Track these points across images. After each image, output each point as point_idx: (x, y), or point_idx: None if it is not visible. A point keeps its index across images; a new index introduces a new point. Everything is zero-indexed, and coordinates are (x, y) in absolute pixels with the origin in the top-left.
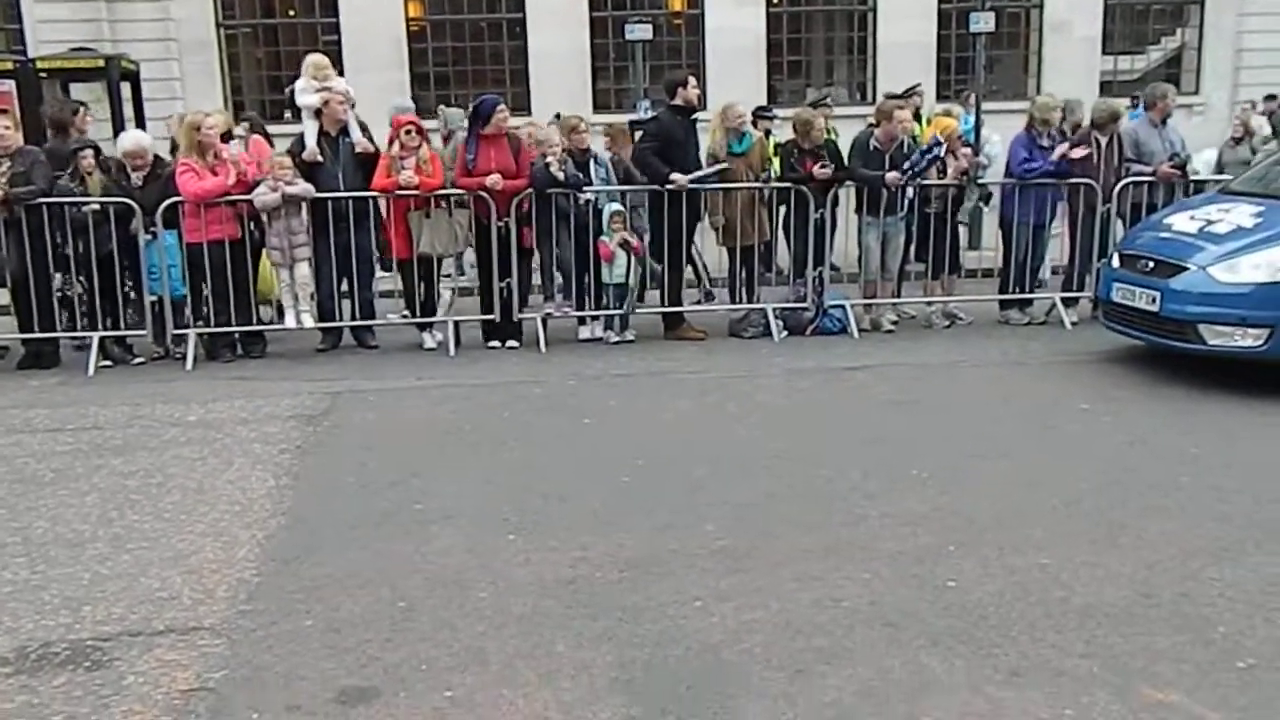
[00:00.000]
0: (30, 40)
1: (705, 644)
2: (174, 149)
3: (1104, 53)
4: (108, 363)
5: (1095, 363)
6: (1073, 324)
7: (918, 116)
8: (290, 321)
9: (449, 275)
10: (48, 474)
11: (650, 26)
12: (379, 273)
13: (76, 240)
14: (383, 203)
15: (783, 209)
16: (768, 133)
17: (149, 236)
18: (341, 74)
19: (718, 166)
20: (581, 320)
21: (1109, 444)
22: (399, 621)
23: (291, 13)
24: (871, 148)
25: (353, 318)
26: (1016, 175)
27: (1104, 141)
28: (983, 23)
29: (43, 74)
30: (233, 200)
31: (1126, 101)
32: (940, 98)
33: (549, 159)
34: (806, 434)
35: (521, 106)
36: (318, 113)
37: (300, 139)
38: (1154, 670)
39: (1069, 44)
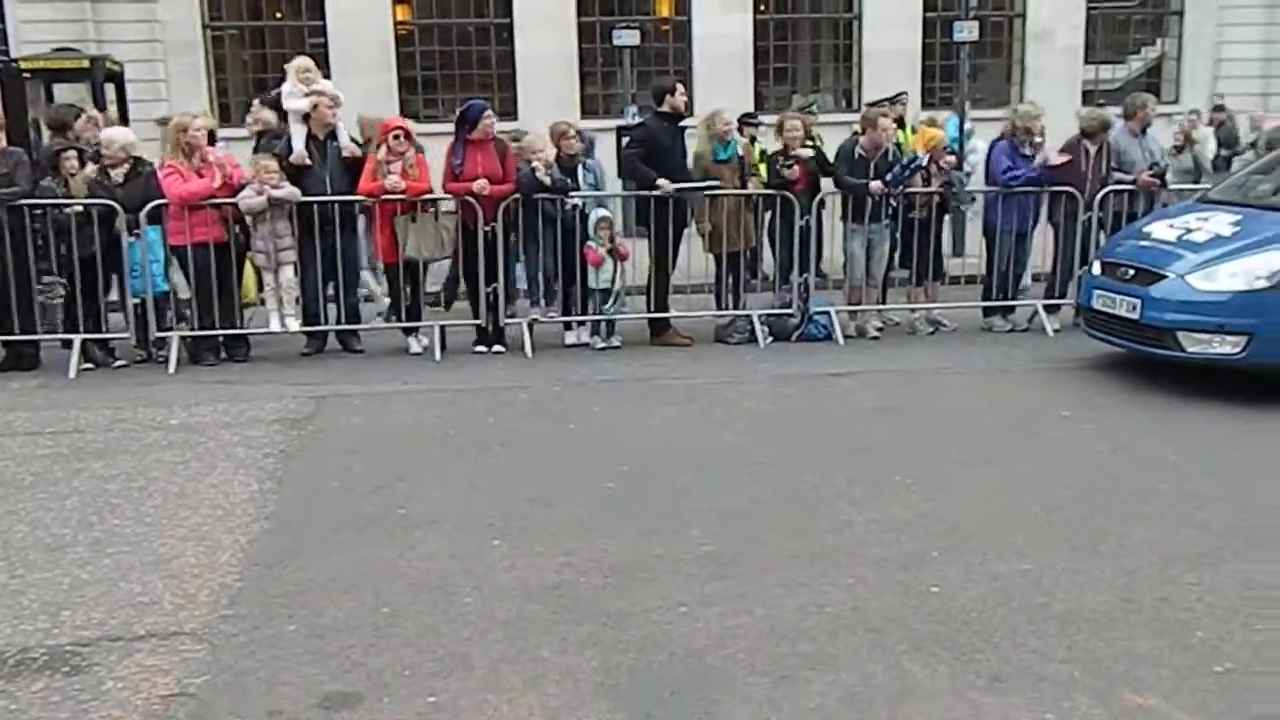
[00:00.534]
0: (13, 40)
1: (690, 649)
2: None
3: (1085, 62)
4: (89, 365)
5: (1077, 370)
6: (1055, 331)
7: (902, 124)
8: (275, 325)
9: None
10: (27, 477)
11: (638, 32)
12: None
13: (59, 242)
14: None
15: (768, 215)
16: (753, 139)
17: (131, 238)
18: (328, 77)
19: (708, 185)
20: (567, 326)
21: (1090, 451)
22: (382, 627)
23: (278, 15)
24: (856, 155)
25: (338, 322)
26: (999, 183)
27: (1093, 150)
28: (966, 31)
29: (26, 74)
30: (218, 203)
31: (1118, 110)
32: (925, 105)
33: (535, 164)
34: (791, 440)
35: (509, 111)
36: (306, 116)
37: (288, 142)
38: (1134, 675)
39: (1051, 53)
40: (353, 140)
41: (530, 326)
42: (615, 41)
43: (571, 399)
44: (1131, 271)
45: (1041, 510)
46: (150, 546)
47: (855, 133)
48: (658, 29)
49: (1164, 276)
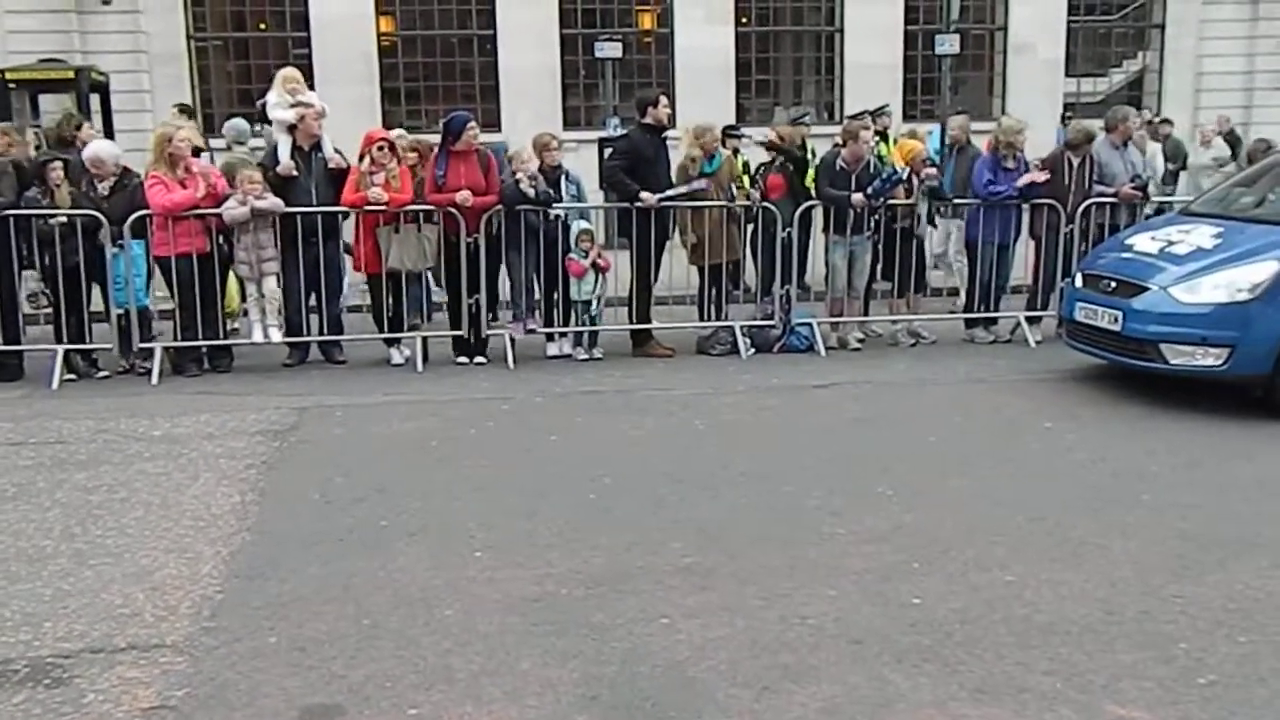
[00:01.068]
0: None
1: (671, 661)
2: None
3: (1067, 75)
4: (72, 376)
5: (1059, 381)
6: (1037, 343)
7: (885, 137)
8: (258, 336)
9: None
10: (9, 488)
11: (620, 45)
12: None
13: (43, 253)
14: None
15: (750, 227)
16: (736, 151)
17: (115, 249)
18: (312, 88)
19: (694, 185)
20: (550, 337)
21: (1072, 462)
22: (363, 639)
23: (263, 26)
24: (838, 168)
25: (320, 332)
26: (981, 196)
27: (1076, 162)
28: (948, 45)
29: (11, 85)
30: (201, 214)
31: (1101, 123)
32: (906, 118)
33: (519, 175)
34: (773, 451)
35: (492, 123)
36: (291, 128)
37: (273, 153)
38: (1117, 687)
39: (1032, 66)
40: (336, 151)
41: (512, 338)
42: (598, 54)
43: (553, 410)
44: (1114, 284)
45: (1023, 521)
46: (132, 558)
47: (836, 145)
48: (640, 41)
49: (1146, 289)
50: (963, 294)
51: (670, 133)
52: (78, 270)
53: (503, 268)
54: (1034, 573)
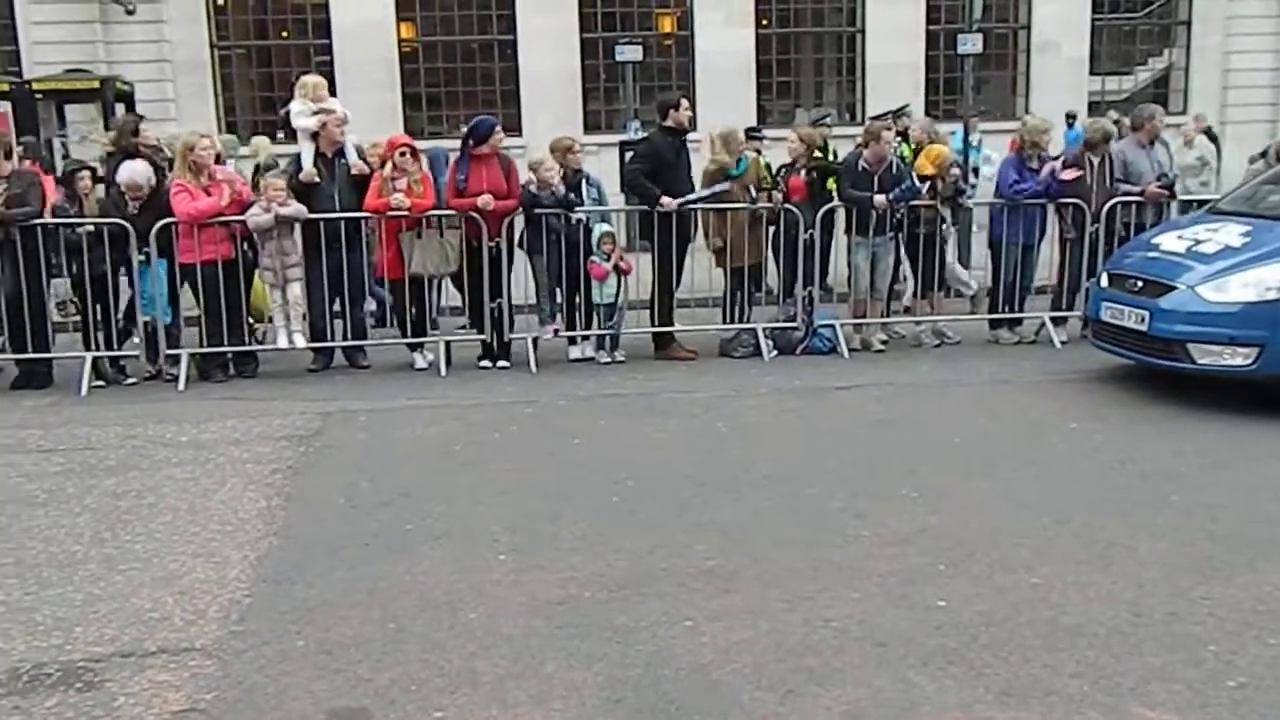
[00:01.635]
0: (25, 61)
1: (695, 664)
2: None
3: (1091, 73)
4: (100, 383)
5: (1084, 382)
6: (1062, 343)
7: (906, 137)
8: (282, 341)
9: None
10: (40, 494)
11: (640, 48)
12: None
13: (71, 261)
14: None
15: (772, 229)
16: (759, 152)
17: (142, 258)
18: (333, 95)
19: (717, 187)
20: (572, 340)
21: (1098, 463)
22: (389, 642)
23: (285, 34)
24: (860, 169)
25: (344, 338)
26: (1006, 196)
27: (1096, 161)
28: (970, 44)
29: (38, 95)
30: (226, 221)
31: (1126, 122)
32: (929, 118)
33: (533, 183)
34: (796, 454)
35: (513, 127)
36: (314, 134)
37: (296, 159)
38: (1145, 690)
39: (1056, 64)
40: (360, 158)
41: (535, 342)
42: (618, 57)
43: (576, 413)
44: (1140, 283)
45: (1050, 523)
46: (161, 563)
47: (859, 146)
48: (660, 44)
49: (1173, 288)
50: (957, 292)
51: (691, 136)
52: (105, 278)
53: (526, 271)
54: (1060, 575)
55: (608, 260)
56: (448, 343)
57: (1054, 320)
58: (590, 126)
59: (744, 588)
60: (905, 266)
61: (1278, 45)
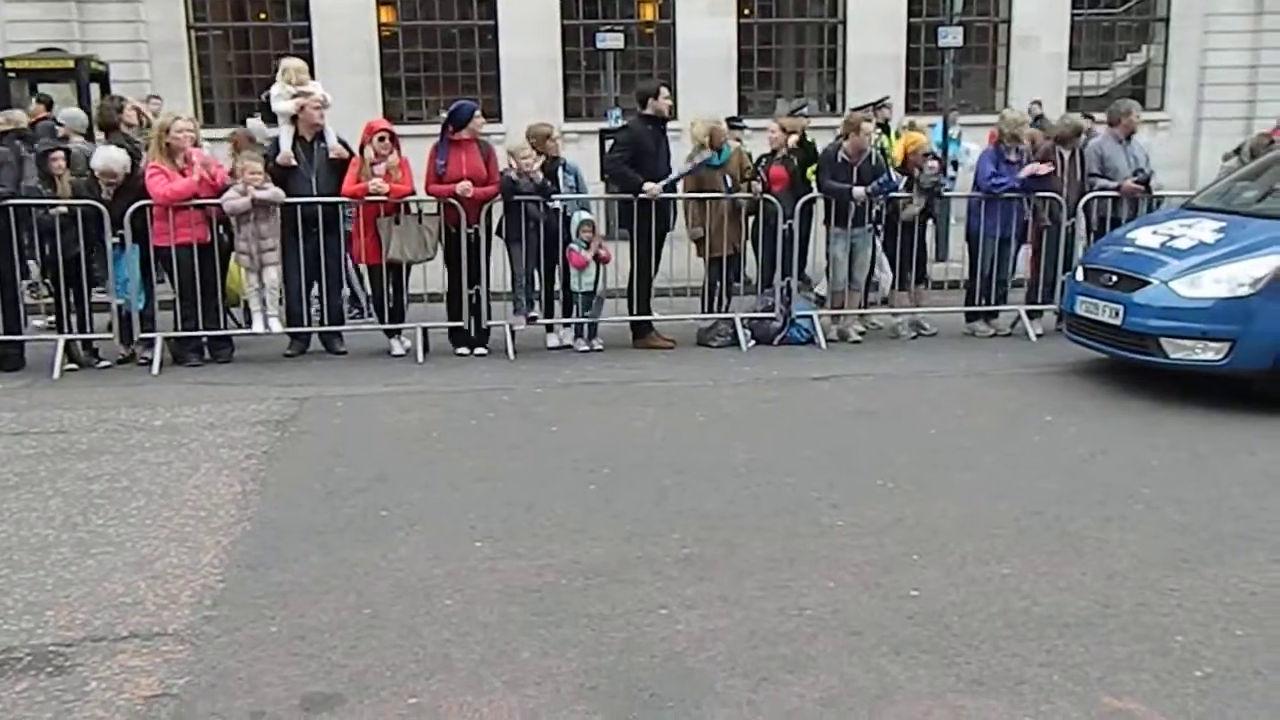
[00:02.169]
0: None
1: (670, 652)
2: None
3: (1070, 68)
4: (73, 366)
5: (1059, 374)
6: (1037, 336)
7: (887, 129)
8: (258, 326)
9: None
10: (11, 478)
11: (621, 36)
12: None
13: (44, 243)
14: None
15: (751, 219)
16: (739, 141)
17: (115, 240)
18: (313, 78)
19: (699, 159)
20: (549, 328)
21: (1072, 455)
22: (364, 628)
23: (263, 16)
24: (840, 160)
25: (321, 323)
26: (984, 190)
27: (1066, 156)
28: (951, 37)
29: (11, 74)
30: (201, 204)
31: (1101, 116)
32: (909, 110)
33: (516, 166)
34: (772, 443)
35: (493, 113)
36: (293, 118)
37: (275, 143)
38: (1113, 679)
39: (1036, 59)
40: (340, 141)
41: (512, 329)
42: (599, 45)
43: (553, 401)
44: (1115, 277)
45: (1023, 514)
46: (133, 547)
47: (839, 137)
48: (641, 32)
49: (1148, 283)
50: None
51: (672, 124)
52: (79, 260)
53: (504, 258)
54: (1032, 565)
55: (587, 249)
56: (425, 329)
57: (1029, 313)
58: (571, 114)
59: (719, 576)
60: (883, 258)
61: (1254, 43)
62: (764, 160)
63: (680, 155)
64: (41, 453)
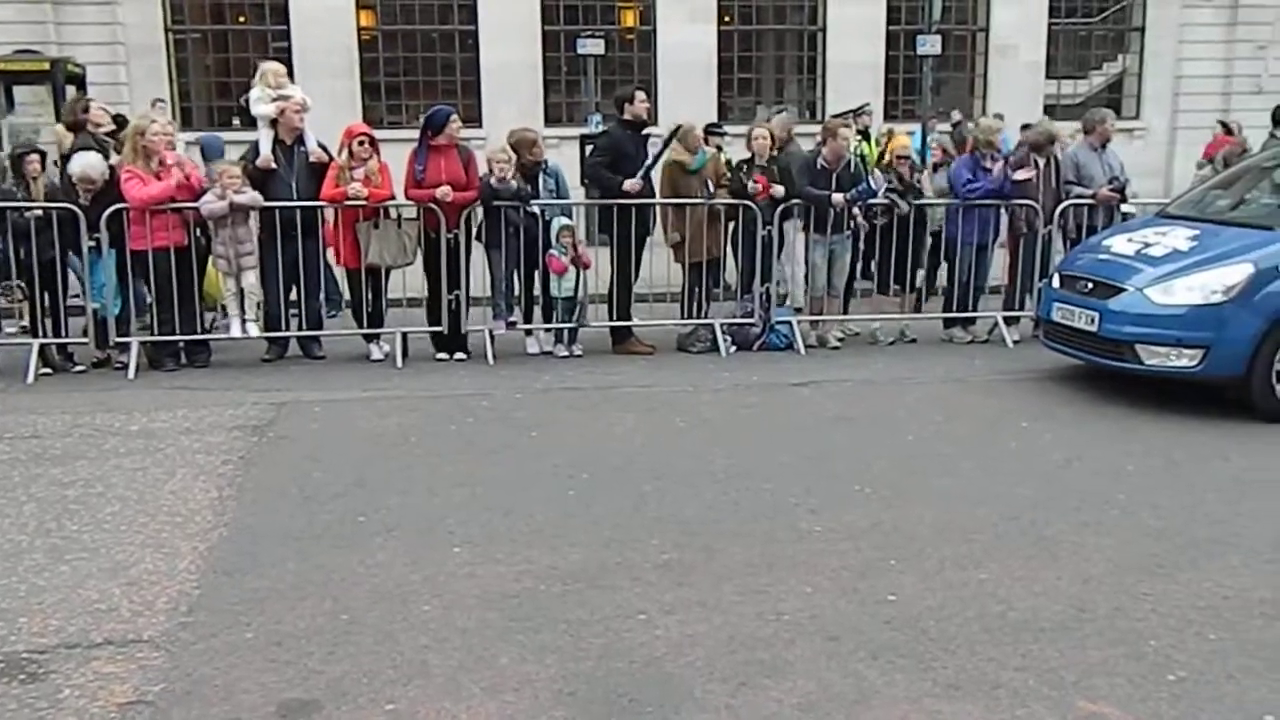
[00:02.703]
0: None
1: (648, 657)
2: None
3: (1047, 76)
4: (48, 370)
5: (1036, 381)
6: (1014, 343)
7: (866, 136)
8: (236, 331)
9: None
10: None
11: (602, 41)
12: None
13: (18, 246)
14: (330, 212)
15: (731, 225)
16: (719, 149)
17: (92, 243)
18: (292, 82)
19: (665, 137)
20: (529, 334)
21: (1048, 461)
22: (341, 634)
23: (242, 19)
24: (819, 166)
25: (299, 327)
26: (960, 196)
27: (1042, 163)
28: (929, 45)
29: None
30: (178, 207)
31: (1075, 125)
32: (887, 117)
33: (494, 171)
34: (751, 449)
35: (473, 118)
36: (273, 122)
37: (255, 147)
38: (1088, 683)
39: (1014, 67)
40: (320, 145)
41: (492, 334)
42: (580, 50)
43: (533, 407)
44: (1090, 285)
45: (999, 519)
46: (108, 553)
47: (818, 143)
48: (622, 39)
49: (1122, 290)
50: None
51: (651, 130)
52: (54, 264)
53: (483, 263)
54: (1008, 570)
55: (567, 254)
56: (404, 334)
57: (1006, 320)
58: (551, 119)
59: (698, 581)
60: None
61: (1228, 53)
62: (745, 166)
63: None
64: (15, 458)
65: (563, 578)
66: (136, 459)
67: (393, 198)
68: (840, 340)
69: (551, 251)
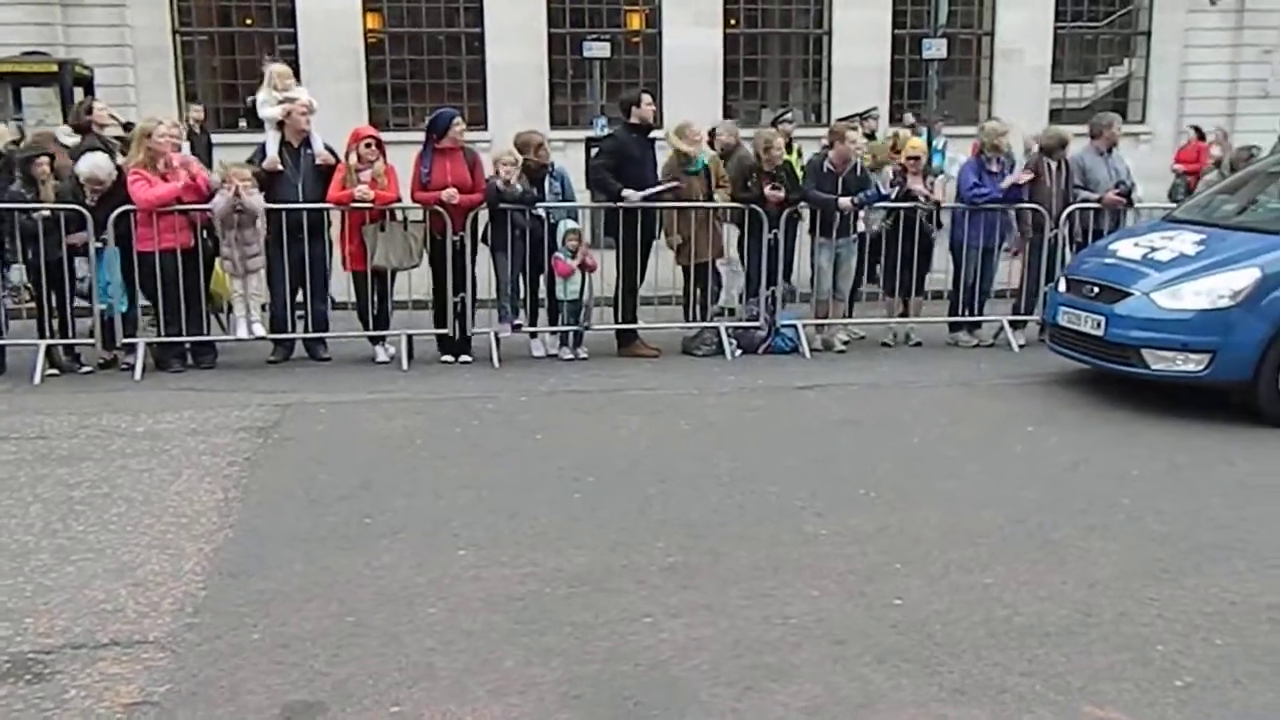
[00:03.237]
0: None
1: (654, 660)
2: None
3: (1053, 81)
4: (55, 371)
5: (1041, 385)
6: (1020, 346)
7: (872, 139)
8: (242, 332)
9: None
10: None
11: (608, 44)
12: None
13: (26, 247)
14: (336, 214)
15: (737, 230)
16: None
17: (99, 244)
18: (298, 84)
19: (670, 184)
20: (535, 336)
21: (1054, 465)
22: (346, 636)
23: (248, 21)
24: (825, 169)
25: (305, 329)
26: (966, 200)
27: (1053, 167)
28: (935, 49)
29: None
30: (185, 209)
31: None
32: (893, 121)
33: (500, 174)
34: (757, 452)
35: (479, 121)
36: (280, 124)
37: (261, 149)
38: (1094, 688)
39: (1019, 72)
40: (327, 148)
41: (497, 337)
42: (585, 53)
43: (538, 409)
44: (1097, 289)
45: (1005, 523)
46: (114, 554)
47: (825, 146)
48: (628, 41)
49: (1129, 294)
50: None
51: (657, 133)
52: (61, 265)
53: (489, 266)
54: (1014, 574)
55: (573, 257)
56: (409, 336)
57: (1012, 324)
58: (557, 122)
59: (704, 585)
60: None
61: (1234, 57)
62: (753, 174)
63: (663, 161)
64: (21, 458)
65: (568, 580)
66: (142, 460)
67: (399, 200)
68: (846, 344)
69: (557, 254)
